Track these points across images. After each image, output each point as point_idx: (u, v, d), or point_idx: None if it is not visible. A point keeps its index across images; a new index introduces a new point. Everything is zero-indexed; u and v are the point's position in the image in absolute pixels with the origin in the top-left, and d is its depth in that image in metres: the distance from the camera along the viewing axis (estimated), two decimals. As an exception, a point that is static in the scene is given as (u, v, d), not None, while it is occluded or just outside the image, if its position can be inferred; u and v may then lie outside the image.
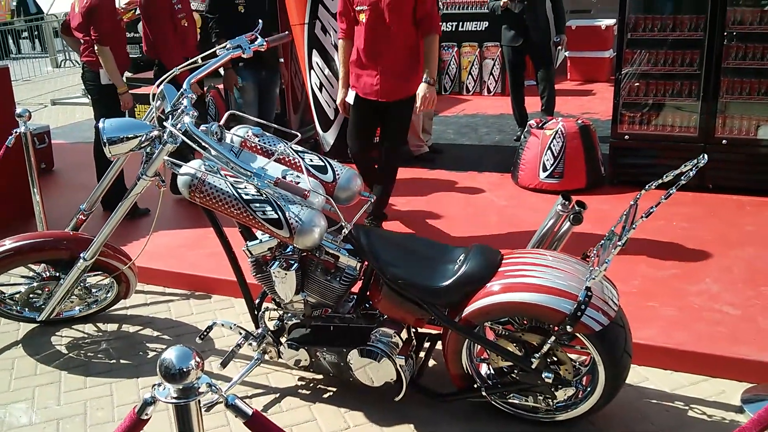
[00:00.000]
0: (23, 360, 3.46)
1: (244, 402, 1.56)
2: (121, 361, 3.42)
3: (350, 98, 4.45)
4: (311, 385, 3.16)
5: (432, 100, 4.30)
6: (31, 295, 3.59)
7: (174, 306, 4.03)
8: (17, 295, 3.61)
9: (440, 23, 4.49)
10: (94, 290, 3.74)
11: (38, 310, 3.56)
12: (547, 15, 6.60)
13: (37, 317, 3.56)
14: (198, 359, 1.45)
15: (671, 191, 2.30)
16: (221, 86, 6.60)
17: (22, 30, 16.36)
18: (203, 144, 2.63)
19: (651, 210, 2.32)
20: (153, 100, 3.01)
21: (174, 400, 1.43)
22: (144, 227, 4.95)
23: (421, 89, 4.27)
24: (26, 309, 3.62)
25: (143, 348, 3.55)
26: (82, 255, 3.31)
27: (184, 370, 1.42)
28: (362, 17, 4.27)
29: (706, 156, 2.41)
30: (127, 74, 12.23)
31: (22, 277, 3.65)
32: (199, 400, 1.47)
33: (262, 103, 5.71)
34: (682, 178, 2.38)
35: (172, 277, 4.27)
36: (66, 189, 6.08)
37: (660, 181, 2.58)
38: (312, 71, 6.23)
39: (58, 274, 3.52)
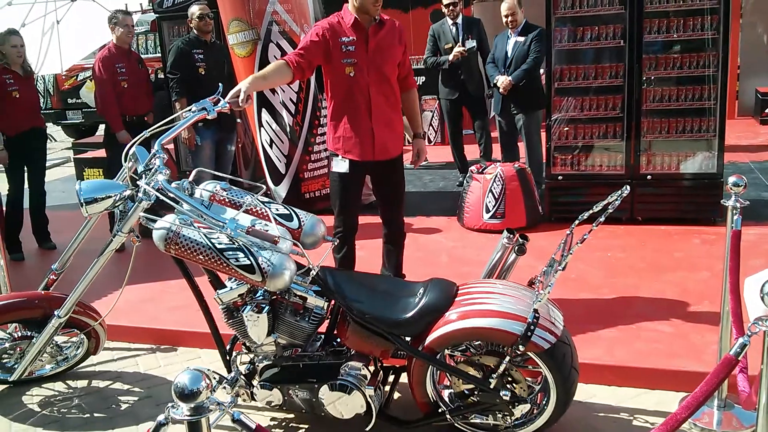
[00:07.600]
0: (-4, 420, 3.51)
1: (248, 417, 1.76)
2: (95, 414, 3.51)
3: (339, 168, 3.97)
4: (284, 423, 3.31)
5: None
6: (2, 356, 3.66)
7: (141, 360, 4.13)
8: (-12, 357, 3.67)
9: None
10: (64, 348, 3.82)
11: (9, 371, 3.63)
12: (480, 69, 7.08)
13: (9, 377, 3.62)
14: (207, 381, 1.65)
15: (600, 219, 2.63)
16: (171, 147, 6.77)
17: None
18: (177, 199, 2.84)
19: (585, 237, 2.64)
20: (125, 161, 3.21)
21: (188, 418, 1.63)
22: (105, 281, 5.01)
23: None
24: (-2, 370, 3.68)
25: (115, 401, 3.64)
26: (56, 312, 3.42)
27: (196, 390, 1.63)
28: (349, 71, 3.84)
29: (628, 187, 2.75)
30: (70, 139, 12.24)
31: (-7, 338, 3.72)
32: (208, 417, 1.66)
33: (218, 161, 5.95)
34: (609, 207, 2.71)
35: (138, 332, 4.37)
36: (29, 252, 6.11)
37: (591, 212, 2.89)
38: (262, 128, 6.49)
39: (30, 333, 3.61)
